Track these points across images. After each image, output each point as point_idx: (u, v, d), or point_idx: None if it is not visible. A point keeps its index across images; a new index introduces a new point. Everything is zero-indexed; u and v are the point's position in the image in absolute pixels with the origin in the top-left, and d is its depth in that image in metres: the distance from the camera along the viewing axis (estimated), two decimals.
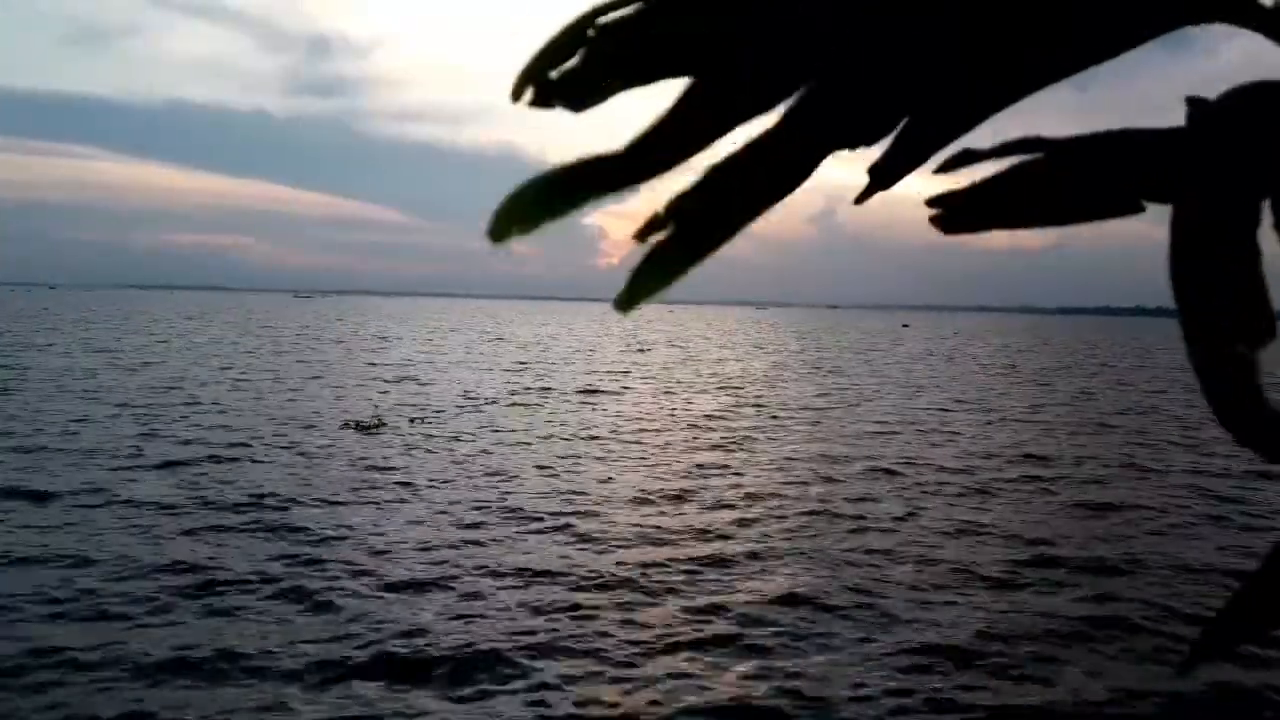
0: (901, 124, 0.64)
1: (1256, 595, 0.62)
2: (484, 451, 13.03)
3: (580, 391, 22.15)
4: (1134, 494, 11.09)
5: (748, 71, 0.59)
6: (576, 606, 6.57)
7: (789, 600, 6.79)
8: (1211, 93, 0.69)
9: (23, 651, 5.51)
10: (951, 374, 31.51)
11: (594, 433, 15.28)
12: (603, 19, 0.60)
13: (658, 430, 15.81)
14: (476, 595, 6.75)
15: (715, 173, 0.62)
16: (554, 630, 6.10)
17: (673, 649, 5.86)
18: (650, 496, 10.27)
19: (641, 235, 0.61)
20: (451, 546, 8.00)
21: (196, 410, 16.34)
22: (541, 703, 5.09)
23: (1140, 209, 0.68)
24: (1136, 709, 5.25)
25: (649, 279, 0.61)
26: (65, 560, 7.24)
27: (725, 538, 8.55)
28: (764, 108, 0.61)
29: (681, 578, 7.29)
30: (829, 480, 11.47)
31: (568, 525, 8.85)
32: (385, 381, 23.10)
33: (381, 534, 8.36)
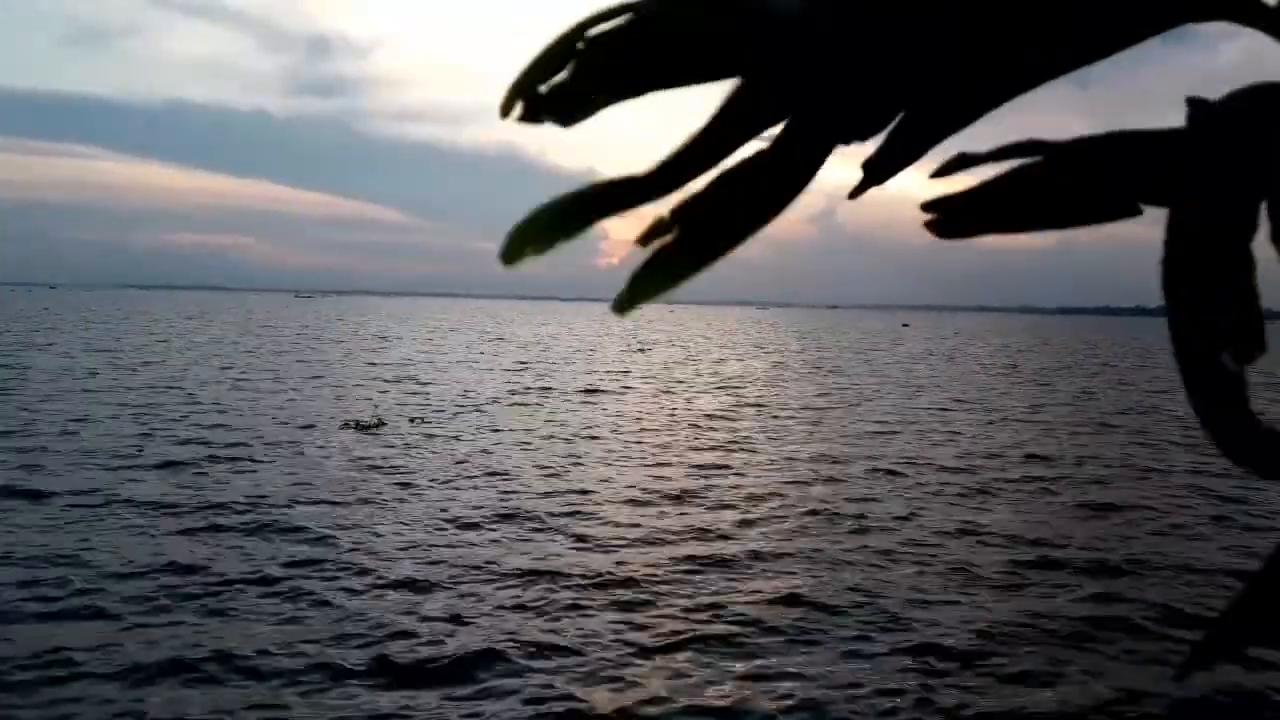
0: (897, 119, 0.63)
1: (1255, 601, 0.62)
2: (484, 451, 13.02)
3: (580, 391, 22.15)
4: (1135, 494, 11.08)
5: (749, 73, 0.58)
6: (576, 607, 6.57)
7: (789, 601, 6.78)
8: (1213, 91, 0.69)
9: (20, 652, 5.49)
10: (952, 374, 31.50)
11: (594, 433, 15.27)
12: (592, 31, 0.60)
13: (658, 430, 15.80)
14: (475, 596, 6.74)
15: (721, 180, 0.61)
16: (554, 631, 6.10)
17: (673, 650, 5.85)
18: (651, 497, 10.26)
19: (645, 240, 0.60)
20: (451, 547, 8.00)
21: (196, 410, 16.33)
22: (541, 704, 5.08)
23: (1137, 212, 0.67)
24: (1138, 710, 5.24)
25: (650, 283, 0.61)
26: (63, 560, 7.23)
27: (726, 538, 8.54)
28: (776, 116, 0.60)
29: (682, 578, 7.28)
30: (830, 480, 11.46)
31: (568, 525, 8.85)
32: (385, 381, 23.10)
33: (381, 534, 8.35)
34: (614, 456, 12.95)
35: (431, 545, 8.01)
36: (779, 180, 0.62)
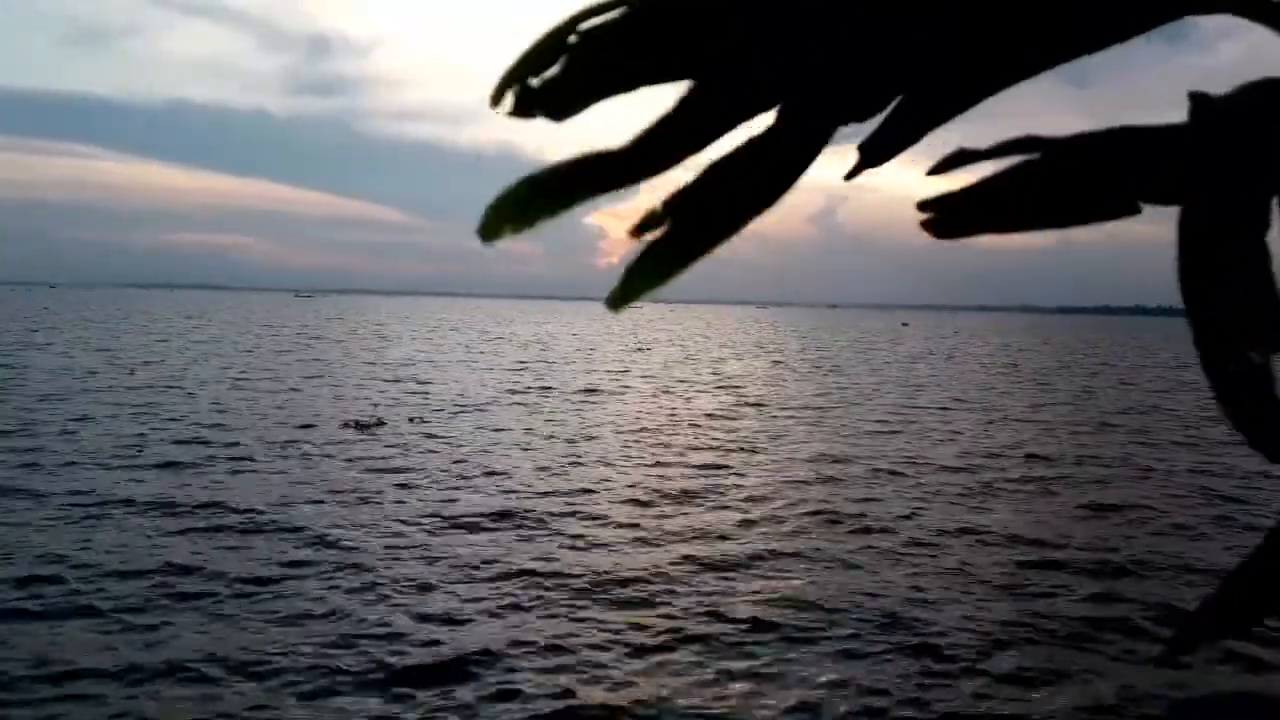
0: (894, 102, 0.62)
1: (1245, 585, 0.61)
2: (483, 451, 13.01)
3: (580, 391, 22.13)
4: (1135, 494, 11.06)
5: (744, 62, 0.58)
6: (576, 608, 6.54)
7: (789, 602, 6.76)
8: (1212, 90, 0.68)
9: (15, 653, 5.47)
10: (951, 373, 31.48)
11: (594, 432, 15.26)
12: (585, 25, 0.59)
13: (658, 430, 15.79)
14: (475, 597, 6.72)
15: (714, 170, 0.60)
16: (553, 632, 6.07)
17: (673, 651, 5.82)
18: (650, 496, 10.25)
19: (637, 231, 0.59)
20: (450, 547, 7.98)
21: (195, 410, 16.31)
22: (540, 705, 5.05)
23: (1137, 210, 0.67)
24: (1139, 711, 5.22)
25: (643, 276, 0.60)
26: (60, 560, 7.20)
27: (725, 538, 8.53)
28: (765, 104, 0.59)
29: (682, 579, 7.26)
30: (830, 480, 11.45)
31: (568, 526, 8.83)
32: (385, 381, 23.08)
33: (380, 534, 8.33)
34: (614, 456, 12.94)
35: (431, 545, 8.00)
36: (772, 170, 0.61)
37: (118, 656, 5.48)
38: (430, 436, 14.15)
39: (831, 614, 6.53)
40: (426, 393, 20.52)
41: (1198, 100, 0.63)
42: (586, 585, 7.02)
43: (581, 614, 6.43)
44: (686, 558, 7.83)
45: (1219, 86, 0.65)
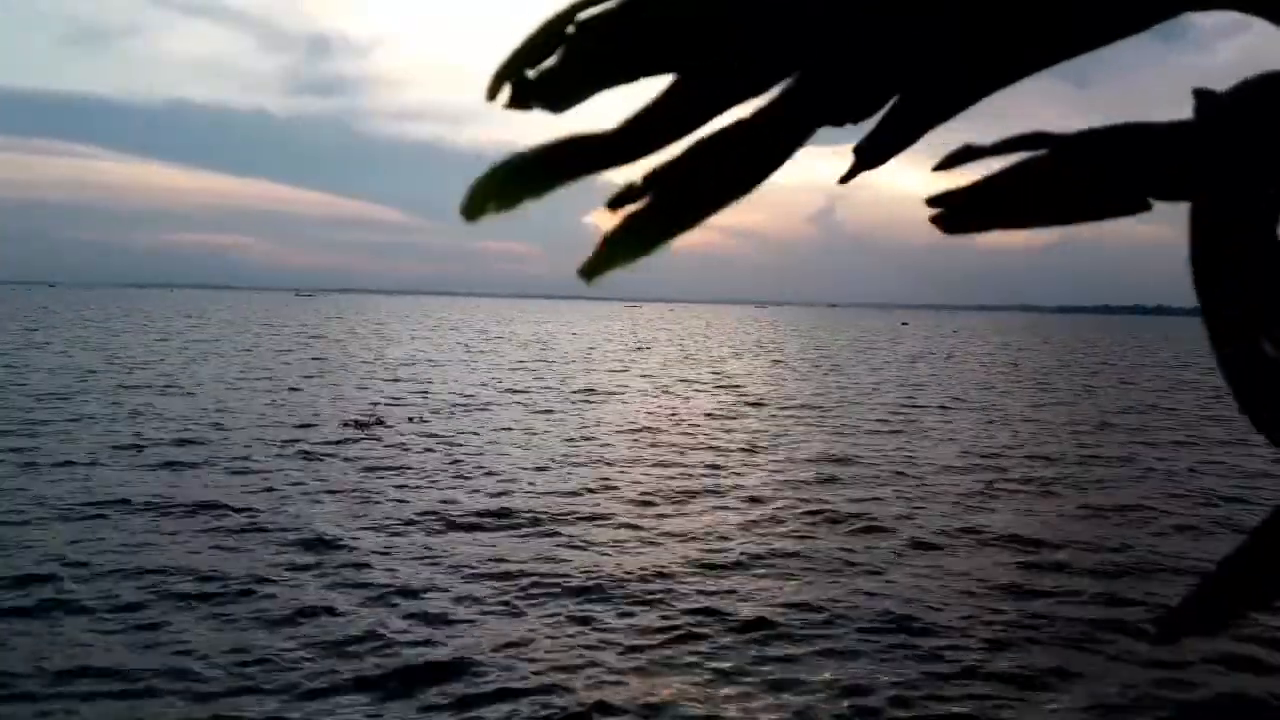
0: (891, 102, 0.62)
1: (1232, 577, 0.61)
2: (483, 451, 13.00)
3: (579, 390, 22.12)
4: (1137, 494, 11.04)
5: (739, 54, 0.57)
6: (575, 609, 6.51)
7: (790, 603, 6.73)
8: (1212, 87, 0.68)
9: (11, 653, 5.45)
10: (951, 372, 31.47)
11: (593, 432, 15.25)
12: (582, 15, 0.58)
13: (657, 429, 15.77)
14: (474, 598, 6.68)
15: (700, 147, 0.59)
16: (553, 634, 6.04)
17: (673, 653, 5.79)
18: (650, 497, 10.23)
19: (615, 204, 0.58)
20: (449, 547, 7.96)
21: (194, 409, 16.29)
22: (540, 707, 5.05)
23: (1147, 207, 0.66)
24: (1141, 712, 5.21)
25: (620, 248, 0.58)
26: (57, 561, 7.17)
27: (725, 539, 8.51)
28: (757, 90, 0.59)
29: (681, 580, 7.23)
30: (830, 480, 11.44)
31: (567, 526, 8.81)
32: (384, 380, 23.07)
33: (379, 535, 8.31)
34: (613, 456, 12.93)
35: (430, 545, 7.99)
36: (758, 153, 0.60)
37: (114, 657, 5.45)
38: (430, 436, 14.14)
39: (831, 615, 6.51)
40: (426, 392, 20.51)
41: (1203, 97, 0.63)
42: (586, 586, 7.00)
43: (581, 614, 6.41)
44: (686, 558, 7.82)
45: (1218, 85, 0.65)
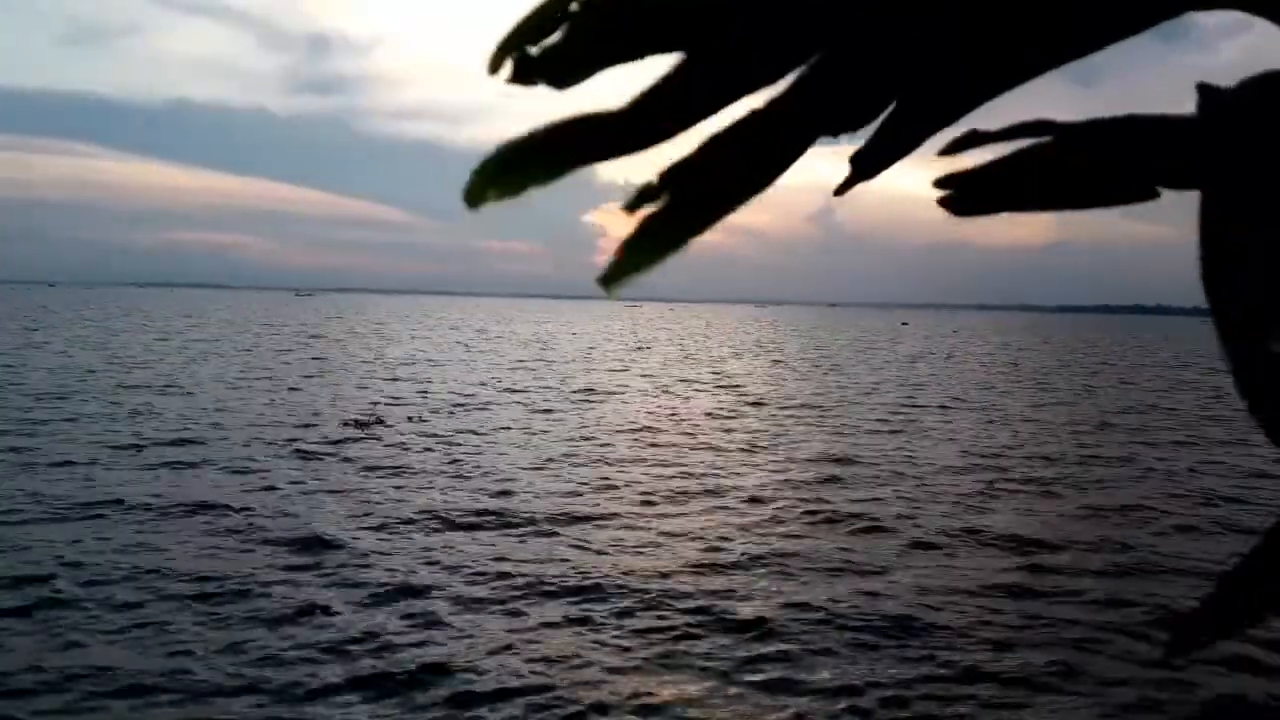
0: (888, 110, 0.62)
1: (1242, 586, 0.61)
2: (482, 450, 12.99)
3: (579, 390, 22.11)
4: (1137, 494, 11.03)
5: (742, 38, 0.56)
6: (575, 610, 6.49)
7: (789, 604, 6.70)
8: None
9: (7, 654, 5.43)
10: (952, 372, 31.47)
11: (593, 432, 15.23)
12: None
13: (657, 429, 15.76)
14: (472, 599, 6.66)
15: (715, 142, 0.58)
16: (552, 635, 6.02)
17: (671, 654, 5.78)
18: (649, 497, 10.21)
19: (633, 206, 0.57)
20: (448, 548, 7.94)
21: (193, 409, 16.28)
22: (540, 708, 5.02)
23: (1154, 195, 0.66)
24: (1142, 714, 5.20)
25: (640, 253, 0.57)
26: (54, 561, 7.14)
27: (725, 539, 8.50)
28: (766, 79, 0.58)
29: (681, 580, 7.20)
30: (830, 480, 11.43)
31: (566, 527, 8.79)
32: (384, 380, 23.07)
33: (378, 535, 8.28)
34: (613, 456, 12.92)
35: (429, 546, 7.97)
36: (772, 149, 0.59)
37: (112, 657, 5.43)
38: (429, 436, 14.13)
39: (831, 615, 6.49)
40: (426, 392, 20.50)
41: (1206, 92, 0.63)
42: (585, 586, 6.99)
43: (580, 615, 6.39)
44: (686, 558, 7.81)
45: (1221, 83, 0.65)
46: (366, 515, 8.99)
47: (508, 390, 21.49)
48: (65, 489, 9.64)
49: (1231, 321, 0.60)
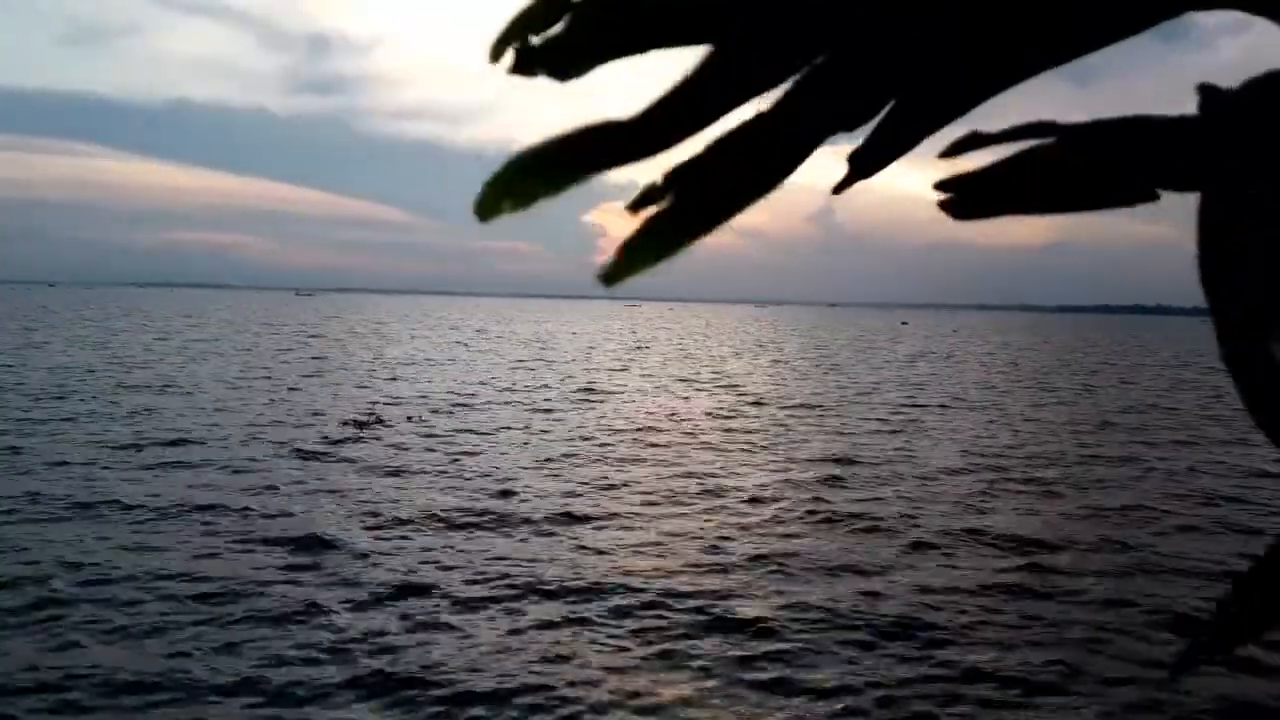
0: (886, 109, 0.62)
1: (1250, 598, 0.61)
2: (482, 450, 12.98)
3: (579, 389, 22.11)
4: (1138, 494, 11.02)
5: (744, 34, 0.56)
6: (574, 611, 6.48)
7: (790, 605, 6.70)
8: None
9: (1, 658, 5.42)
10: (952, 372, 31.48)
11: (593, 432, 15.23)
12: None
13: (657, 429, 15.76)
14: (472, 601, 6.64)
15: (721, 143, 0.57)
16: (551, 637, 6.01)
17: (671, 655, 5.77)
18: (649, 497, 10.21)
19: (636, 206, 0.56)
20: (448, 548, 7.92)
21: (193, 409, 16.28)
22: (539, 709, 5.01)
23: (1154, 197, 0.66)
24: (1144, 716, 5.19)
25: (642, 252, 0.56)
26: (51, 562, 7.13)
27: (726, 539, 8.49)
28: (771, 78, 0.58)
29: (681, 581, 7.18)
30: (830, 480, 11.42)
31: (566, 527, 8.78)
32: (384, 380, 23.07)
33: (377, 536, 8.26)
34: (612, 455, 12.91)
35: (428, 546, 7.96)
36: (778, 150, 0.59)
37: (109, 658, 5.42)
38: (429, 435, 14.13)
39: (832, 616, 6.48)
40: (425, 391, 20.51)
41: (1207, 92, 0.62)
42: (585, 586, 6.97)
43: (579, 615, 6.37)
44: (686, 558, 7.80)
45: (1221, 83, 0.65)
46: (366, 515, 8.99)
47: (508, 390, 21.49)
48: (64, 489, 9.63)
49: (1231, 321, 0.60)
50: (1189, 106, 0.65)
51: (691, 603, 6.69)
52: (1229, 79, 0.64)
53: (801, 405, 19.91)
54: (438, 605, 6.52)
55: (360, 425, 14.78)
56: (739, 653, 5.83)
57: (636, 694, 5.23)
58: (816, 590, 7.07)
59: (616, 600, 6.72)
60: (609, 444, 13.97)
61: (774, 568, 7.63)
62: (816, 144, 0.60)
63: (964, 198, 0.68)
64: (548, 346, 41.52)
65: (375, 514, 9.06)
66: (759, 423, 16.95)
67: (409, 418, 15.98)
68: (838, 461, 12.77)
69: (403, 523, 8.76)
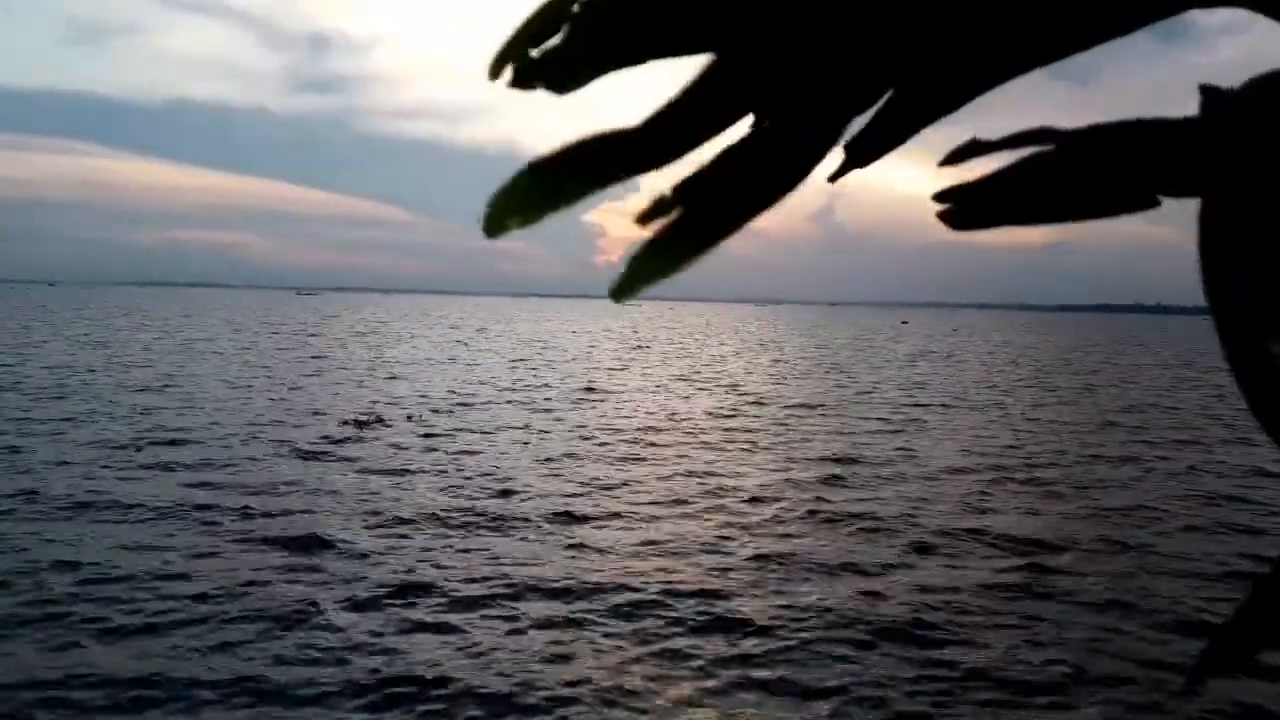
0: (884, 98, 0.62)
1: (1260, 611, 0.61)
2: (482, 450, 12.97)
3: (579, 389, 22.11)
4: (1139, 494, 11.00)
5: (757, 44, 0.55)
6: (573, 613, 6.47)
7: (791, 606, 6.68)
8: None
9: None
10: (952, 371, 31.47)
11: (593, 431, 15.22)
12: None
13: (657, 429, 15.75)
14: (472, 600, 6.63)
15: (729, 154, 0.56)
16: (551, 638, 6.00)
17: (671, 657, 5.76)
18: (649, 497, 10.19)
19: (644, 219, 0.56)
20: (448, 548, 7.91)
21: (192, 408, 16.28)
22: (538, 709, 5.00)
23: (1155, 204, 0.66)
24: (1145, 717, 5.19)
25: (649, 267, 0.56)
26: (48, 563, 7.12)
27: (726, 539, 8.48)
28: (780, 85, 0.57)
29: (681, 582, 7.16)
30: (831, 480, 11.41)
31: (566, 527, 8.76)
32: (384, 379, 23.07)
33: (377, 536, 8.24)
34: (613, 455, 12.91)
35: (428, 547, 7.94)
36: (788, 157, 0.59)
37: (106, 659, 5.41)
38: (429, 435, 14.12)
39: (833, 616, 6.46)
40: (425, 390, 20.50)
41: (1209, 93, 0.62)
42: (585, 586, 6.96)
43: (579, 616, 6.36)
44: (686, 558, 7.79)
45: (1220, 83, 0.65)
46: (366, 515, 8.98)
47: (508, 389, 21.49)
48: (64, 488, 9.62)
49: (1232, 321, 0.59)
50: (1189, 105, 0.65)
51: (691, 603, 6.68)
52: (1230, 78, 0.64)
53: (802, 405, 19.90)
54: (437, 605, 6.50)
55: (360, 425, 14.78)
56: (739, 653, 5.82)
57: (636, 694, 5.22)
58: (817, 590, 7.06)
59: (616, 600, 6.71)
60: (609, 443, 13.97)
61: (774, 567, 7.62)
62: (826, 150, 0.59)
63: (963, 208, 0.68)
64: (548, 346, 41.52)
65: (375, 514, 9.05)
66: (759, 422, 16.94)
67: (409, 417, 15.98)
68: (838, 461, 12.76)
69: (403, 523, 8.75)
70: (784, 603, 6.75)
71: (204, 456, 11.71)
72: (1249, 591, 0.59)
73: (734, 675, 5.50)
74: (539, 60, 0.55)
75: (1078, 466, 12.88)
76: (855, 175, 0.65)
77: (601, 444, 13.91)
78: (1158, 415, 19.47)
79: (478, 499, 9.81)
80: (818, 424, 16.82)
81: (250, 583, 6.82)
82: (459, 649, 5.76)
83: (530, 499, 9.88)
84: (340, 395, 19.16)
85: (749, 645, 5.95)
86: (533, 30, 0.55)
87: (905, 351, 43.93)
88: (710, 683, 5.40)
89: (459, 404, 18.34)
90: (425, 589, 6.83)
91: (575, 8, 0.55)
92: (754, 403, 20.18)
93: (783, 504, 9.97)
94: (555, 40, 0.55)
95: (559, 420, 16.43)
